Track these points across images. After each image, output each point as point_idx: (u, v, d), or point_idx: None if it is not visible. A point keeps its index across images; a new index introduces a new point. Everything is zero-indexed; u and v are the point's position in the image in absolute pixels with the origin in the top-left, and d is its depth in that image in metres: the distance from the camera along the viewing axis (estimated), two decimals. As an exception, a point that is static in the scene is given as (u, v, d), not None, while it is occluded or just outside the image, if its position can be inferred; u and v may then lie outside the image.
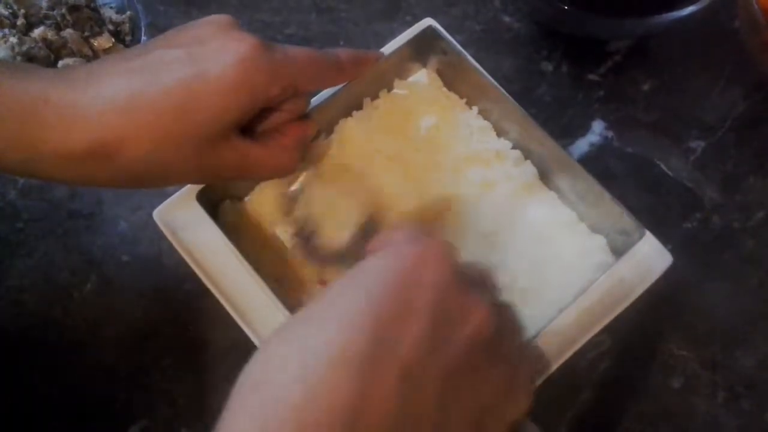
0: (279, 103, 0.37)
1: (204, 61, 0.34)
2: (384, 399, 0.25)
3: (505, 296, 0.41)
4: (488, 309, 0.28)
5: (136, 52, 0.35)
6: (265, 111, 0.37)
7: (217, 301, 0.40)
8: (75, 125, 0.33)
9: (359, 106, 0.46)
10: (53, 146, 0.33)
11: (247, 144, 0.36)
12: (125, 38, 0.51)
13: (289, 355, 0.26)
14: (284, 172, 0.39)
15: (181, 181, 0.40)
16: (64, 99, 0.33)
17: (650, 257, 0.41)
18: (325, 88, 0.42)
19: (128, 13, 0.51)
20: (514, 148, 0.45)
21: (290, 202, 0.44)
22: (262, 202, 0.44)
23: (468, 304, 0.28)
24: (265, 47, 0.35)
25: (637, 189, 0.49)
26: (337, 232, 0.43)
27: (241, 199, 0.44)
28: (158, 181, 0.36)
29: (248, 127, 0.37)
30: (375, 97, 0.46)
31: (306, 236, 0.43)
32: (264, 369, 0.26)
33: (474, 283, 0.29)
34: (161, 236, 0.42)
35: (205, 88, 0.33)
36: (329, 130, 0.45)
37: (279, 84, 0.35)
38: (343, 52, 0.40)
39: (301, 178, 0.44)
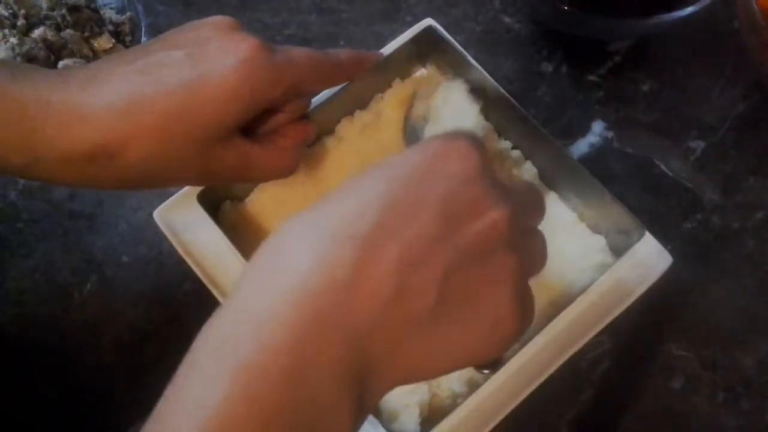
0: (281, 104, 0.38)
1: (205, 63, 0.34)
2: (381, 277, 0.26)
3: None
4: (505, 210, 0.28)
5: (137, 54, 0.35)
6: (266, 112, 0.37)
7: (217, 301, 0.40)
8: (77, 127, 0.33)
9: (359, 106, 0.46)
10: (55, 149, 0.33)
11: (247, 145, 0.37)
12: (125, 39, 0.51)
13: (305, 229, 0.27)
14: (284, 173, 0.39)
15: (183, 183, 0.40)
16: (65, 101, 0.33)
17: (650, 257, 0.41)
18: (327, 88, 0.42)
19: (128, 13, 0.51)
20: (514, 148, 0.45)
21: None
22: (263, 202, 0.44)
23: (484, 201, 0.28)
24: (266, 48, 0.35)
25: (637, 189, 0.49)
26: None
27: (241, 199, 0.44)
28: (159, 182, 0.36)
29: (249, 128, 0.37)
30: (375, 97, 0.46)
31: None
32: (283, 240, 0.27)
33: (498, 185, 0.29)
34: (161, 237, 0.42)
35: (207, 90, 0.34)
36: (329, 130, 0.45)
37: (280, 85, 0.36)
38: (343, 53, 0.40)
39: (302, 179, 0.44)
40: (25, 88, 0.33)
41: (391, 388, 0.28)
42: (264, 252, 0.28)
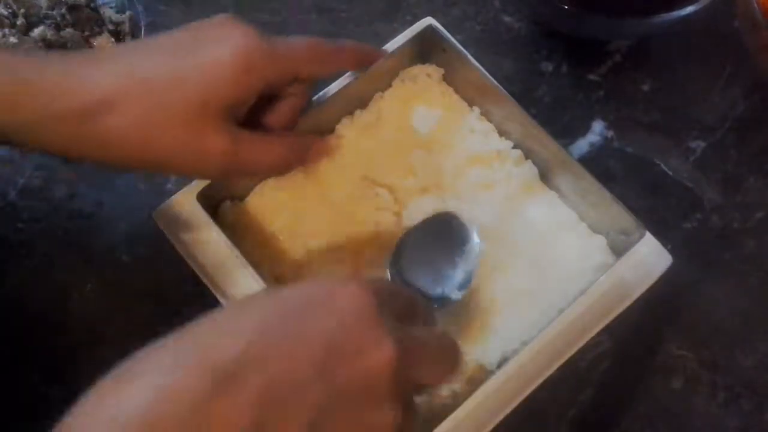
0: (280, 89, 0.38)
1: (203, 44, 0.35)
2: (234, 414, 0.24)
3: (505, 296, 0.42)
4: (392, 355, 0.26)
5: (138, 40, 0.36)
6: (266, 101, 0.37)
7: (217, 301, 0.40)
8: (70, 88, 0.34)
9: (359, 106, 0.46)
10: (47, 108, 0.34)
11: (240, 131, 0.36)
12: (125, 38, 0.51)
13: (165, 353, 0.25)
14: (275, 167, 0.39)
15: (172, 164, 0.37)
16: (61, 70, 0.34)
17: (650, 257, 0.41)
18: (326, 73, 0.41)
19: (128, 12, 0.51)
20: (514, 147, 0.45)
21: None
22: (263, 202, 0.44)
23: (368, 343, 0.26)
24: (263, 34, 0.36)
25: (637, 189, 0.49)
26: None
27: (241, 199, 0.44)
28: (147, 158, 0.36)
29: (251, 121, 0.37)
30: (375, 96, 0.46)
31: None
32: (135, 363, 0.26)
33: (394, 331, 0.27)
34: (161, 237, 0.42)
35: (201, 64, 0.34)
36: (329, 130, 0.45)
37: (277, 69, 0.36)
38: (348, 41, 0.40)
39: (302, 179, 0.44)
40: (24, 59, 0.34)
41: None
42: (109, 377, 0.25)
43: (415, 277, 0.39)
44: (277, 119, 0.39)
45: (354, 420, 0.26)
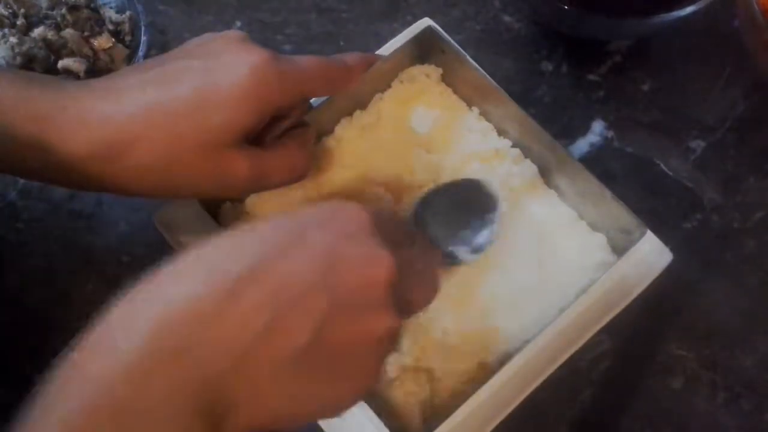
0: (287, 111, 0.38)
1: (217, 71, 0.35)
2: (250, 310, 0.26)
3: (506, 295, 0.42)
4: (388, 270, 0.29)
5: (152, 65, 0.36)
6: (272, 119, 0.38)
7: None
8: (90, 128, 0.34)
9: (359, 107, 0.46)
10: (69, 148, 0.34)
11: (258, 152, 0.37)
12: (125, 38, 0.51)
13: (187, 263, 0.28)
14: (298, 175, 0.39)
15: (196, 192, 0.39)
16: (81, 106, 0.34)
17: (650, 256, 0.41)
18: (333, 93, 0.42)
19: (128, 13, 0.51)
20: (513, 147, 0.45)
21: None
22: (263, 203, 0.44)
23: (367, 258, 0.29)
24: (276, 58, 0.36)
25: (637, 189, 0.49)
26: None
27: (241, 200, 0.44)
28: (171, 189, 0.37)
29: (257, 137, 0.38)
30: (375, 97, 0.46)
31: None
32: (160, 273, 0.28)
33: (386, 248, 0.30)
34: (161, 237, 0.42)
35: (218, 96, 0.34)
36: (329, 131, 0.45)
37: (289, 92, 0.36)
38: (349, 57, 0.40)
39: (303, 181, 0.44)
40: (42, 94, 0.34)
41: None
42: (138, 284, 0.28)
43: (432, 229, 0.40)
44: (282, 132, 0.40)
45: (353, 325, 0.28)
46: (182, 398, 0.25)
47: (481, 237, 0.41)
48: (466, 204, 0.41)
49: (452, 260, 0.40)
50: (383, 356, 0.31)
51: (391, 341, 0.30)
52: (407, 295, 0.31)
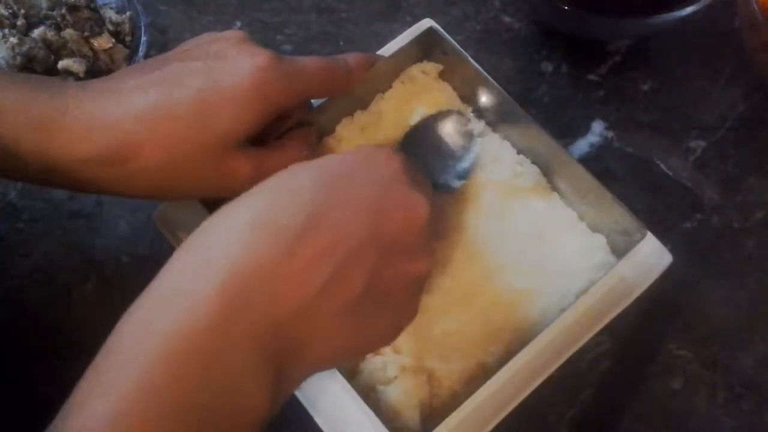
0: (289, 111, 0.39)
1: (220, 73, 0.35)
2: (311, 267, 0.28)
3: (505, 296, 0.42)
4: (425, 210, 0.31)
5: (154, 65, 0.36)
6: (274, 120, 0.38)
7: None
8: (93, 131, 0.34)
9: (360, 107, 0.46)
10: (72, 152, 0.34)
11: (261, 152, 0.37)
12: (125, 38, 0.51)
13: (237, 217, 0.29)
14: None
15: (199, 193, 0.39)
16: (82, 109, 0.34)
17: (651, 257, 0.41)
18: (335, 94, 0.42)
19: (128, 13, 0.51)
20: (514, 147, 0.45)
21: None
22: (262, 202, 0.44)
23: (406, 201, 0.31)
24: (278, 59, 0.36)
25: (637, 189, 0.49)
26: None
27: (241, 199, 0.44)
28: (174, 191, 0.37)
29: (259, 137, 0.38)
30: (375, 97, 0.46)
31: None
32: (213, 226, 0.29)
33: (419, 187, 0.32)
34: (161, 237, 0.42)
35: (221, 98, 0.34)
36: (330, 131, 0.45)
37: (292, 93, 0.37)
38: (351, 57, 0.40)
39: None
40: (43, 98, 0.34)
41: (308, 375, 0.30)
42: (193, 238, 0.28)
43: (420, 163, 0.41)
44: (283, 132, 0.40)
45: (397, 268, 0.30)
46: (257, 346, 0.27)
47: (466, 162, 0.44)
48: (444, 136, 0.44)
49: (444, 189, 0.43)
50: (420, 291, 0.33)
51: (426, 278, 0.33)
52: (434, 234, 0.33)
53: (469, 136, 0.44)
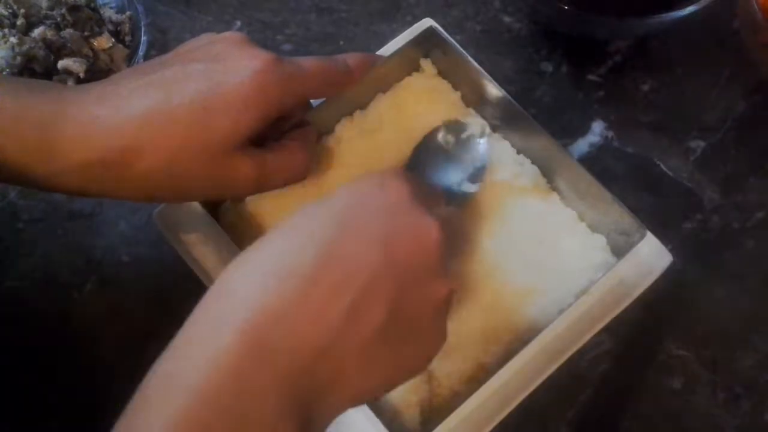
0: (289, 112, 0.38)
1: (220, 76, 0.35)
2: (327, 305, 0.28)
3: (505, 296, 0.42)
4: (437, 236, 0.31)
5: (153, 68, 0.36)
6: (274, 120, 0.38)
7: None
8: (94, 136, 0.34)
9: (359, 107, 0.46)
10: (73, 157, 0.34)
11: (261, 153, 0.37)
12: (125, 38, 0.51)
13: (248, 270, 0.28)
14: (300, 175, 0.39)
15: (200, 195, 0.39)
16: (83, 113, 0.34)
17: (650, 258, 0.41)
18: (335, 94, 0.42)
19: (128, 13, 0.51)
20: (514, 147, 0.45)
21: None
22: (263, 202, 0.44)
23: (417, 228, 0.31)
24: (278, 61, 0.36)
25: (637, 189, 0.49)
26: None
27: (241, 199, 0.44)
28: (176, 193, 0.37)
29: (259, 138, 0.37)
30: (375, 97, 0.46)
31: None
32: (228, 282, 0.29)
33: (430, 213, 0.32)
34: (161, 237, 0.42)
35: (222, 100, 0.34)
36: (329, 131, 0.45)
37: (292, 94, 0.36)
38: (350, 57, 0.40)
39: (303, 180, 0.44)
40: (43, 101, 0.34)
41: (338, 414, 0.29)
42: (210, 294, 0.28)
43: (433, 175, 0.43)
44: (283, 132, 0.40)
45: (417, 297, 0.30)
46: (282, 393, 0.26)
47: (477, 164, 0.44)
48: (453, 144, 0.45)
49: (461, 197, 0.43)
50: (446, 314, 0.32)
51: (449, 301, 0.32)
52: (451, 252, 0.33)
53: (473, 139, 0.45)
